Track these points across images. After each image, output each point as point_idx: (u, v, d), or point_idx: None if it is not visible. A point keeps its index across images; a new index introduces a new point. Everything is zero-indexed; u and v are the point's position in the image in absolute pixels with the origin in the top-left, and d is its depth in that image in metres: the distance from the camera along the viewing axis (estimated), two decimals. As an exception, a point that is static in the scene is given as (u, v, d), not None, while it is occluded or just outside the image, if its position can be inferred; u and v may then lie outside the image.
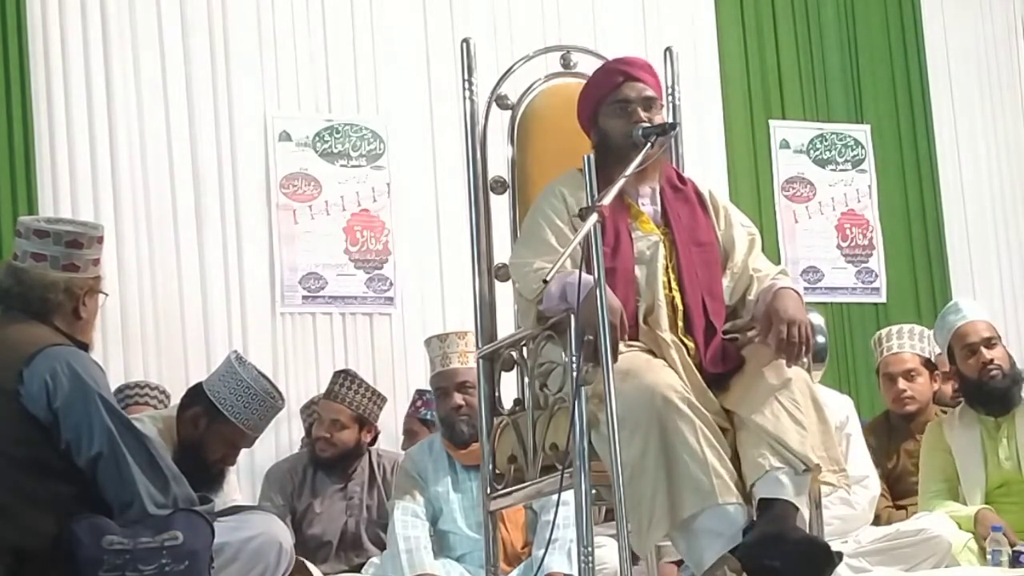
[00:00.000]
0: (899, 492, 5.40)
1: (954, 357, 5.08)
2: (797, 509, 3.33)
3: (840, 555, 3.32)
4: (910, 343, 5.52)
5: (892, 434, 5.50)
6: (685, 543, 3.35)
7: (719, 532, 3.30)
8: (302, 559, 5.11)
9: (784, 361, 3.54)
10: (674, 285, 3.65)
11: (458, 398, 4.93)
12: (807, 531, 3.37)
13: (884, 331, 5.67)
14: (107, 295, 3.94)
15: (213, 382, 4.50)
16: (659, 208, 3.75)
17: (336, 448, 5.46)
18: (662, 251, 3.67)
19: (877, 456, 5.31)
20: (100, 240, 3.81)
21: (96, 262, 3.79)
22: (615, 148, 3.68)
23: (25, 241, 3.73)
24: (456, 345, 4.98)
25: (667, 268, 3.66)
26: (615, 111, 3.72)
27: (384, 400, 5.62)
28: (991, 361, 4.96)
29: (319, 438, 5.49)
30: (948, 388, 5.72)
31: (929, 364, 5.50)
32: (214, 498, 4.07)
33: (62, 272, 3.70)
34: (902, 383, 5.44)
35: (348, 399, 5.46)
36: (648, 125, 3.65)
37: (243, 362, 4.56)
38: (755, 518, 3.34)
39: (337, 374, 5.61)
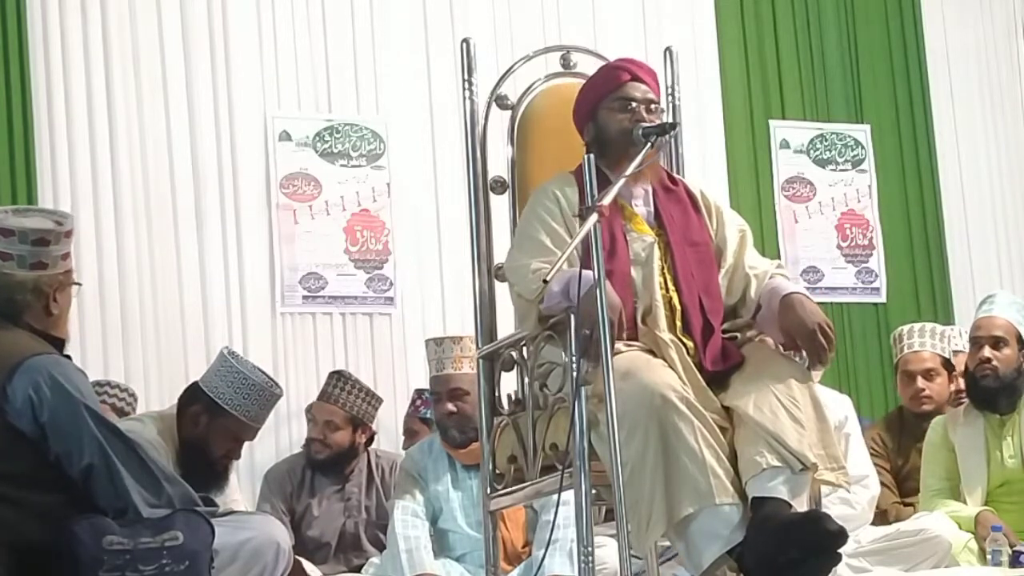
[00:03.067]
0: (908, 489, 5.39)
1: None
2: (790, 506, 3.32)
3: (839, 555, 3.32)
4: (931, 342, 5.51)
5: (904, 431, 5.49)
6: (683, 544, 3.35)
7: (717, 533, 3.30)
8: (299, 559, 5.13)
9: (784, 359, 3.56)
10: (671, 285, 3.65)
11: (449, 405, 4.95)
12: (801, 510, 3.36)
13: (905, 328, 5.65)
14: (80, 285, 3.86)
15: (209, 378, 4.52)
16: (652, 209, 3.76)
17: (331, 449, 5.48)
18: (657, 252, 3.68)
19: (888, 452, 5.30)
20: (68, 235, 3.68)
21: (65, 256, 3.67)
22: (612, 145, 3.70)
23: None
24: (451, 350, 4.99)
25: (663, 269, 3.67)
26: (617, 108, 3.73)
27: (379, 401, 5.63)
28: (988, 360, 4.95)
29: (314, 440, 5.51)
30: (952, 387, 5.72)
31: (948, 364, 5.49)
32: (216, 497, 4.08)
33: (30, 271, 3.59)
34: (921, 382, 5.44)
35: (341, 400, 5.48)
36: (648, 125, 3.65)
37: (236, 356, 4.58)
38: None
39: (331, 375, 5.63)
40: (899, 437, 5.47)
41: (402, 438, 6.11)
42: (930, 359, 5.47)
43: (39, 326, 3.62)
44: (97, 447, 3.49)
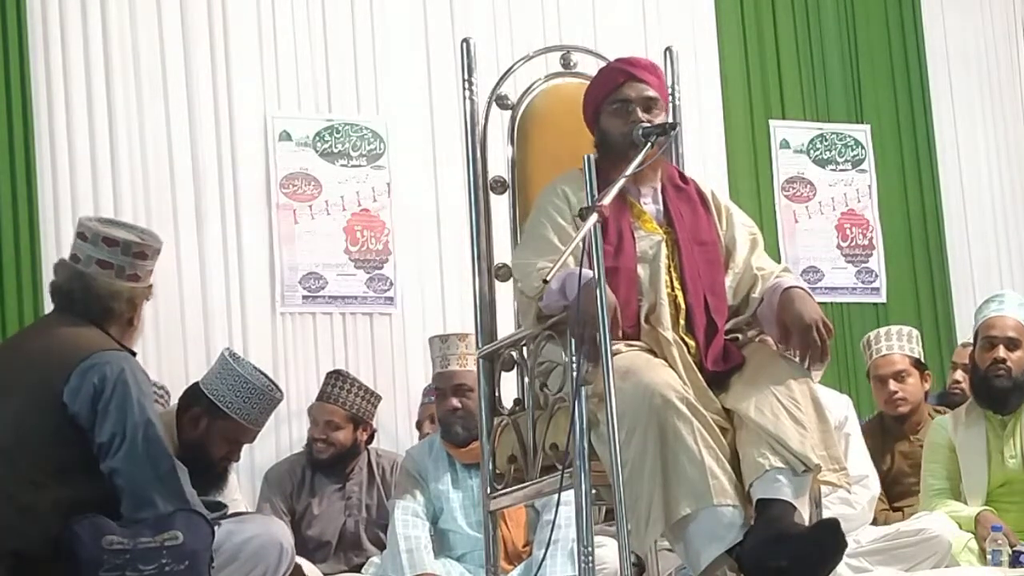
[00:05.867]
0: (895, 494, 5.40)
1: (977, 345, 5.07)
2: (795, 509, 3.33)
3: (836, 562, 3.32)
4: (899, 344, 5.53)
5: (886, 436, 5.50)
6: (682, 544, 3.35)
7: (715, 533, 3.29)
8: (298, 562, 5.13)
9: (784, 360, 3.55)
10: (676, 284, 3.66)
11: (454, 401, 4.96)
12: (806, 524, 3.36)
13: (872, 333, 5.69)
14: (148, 300, 3.96)
15: (210, 380, 4.51)
16: (661, 207, 3.76)
17: (334, 448, 5.49)
18: (664, 250, 3.68)
19: (872, 458, 5.31)
20: (158, 252, 3.85)
21: (151, 272, 3.84)
22: (614, 148, 3.70)
23: (91, 246, 3.74)
24: (456, 347, 5.00)
25: (669, 267, 3.67)
26: (615, 111, 3.73)
27: (378, 398, 5.64)
28: (1003, 360, 4.94)
29: (316, 440, 5.52)
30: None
31: (919, 364, 5.51)
32: (220, 498, 4.08)
33: (126, 282, 3.74)
34: (893, 385, 5.45)
35: (341, 399, 5.49)
36: (647, 125, 3.65)
37: (237, 358, 4.56)
38: (754, 518, 3.34)
39: (329, 375, 5.64)
40: (881, 442, 5.47)
41: (415, 432, 6.09)
42: (900, 361, 5.48)
43: (117, 335, 3.73)
44: (134, 452, 3.53)
